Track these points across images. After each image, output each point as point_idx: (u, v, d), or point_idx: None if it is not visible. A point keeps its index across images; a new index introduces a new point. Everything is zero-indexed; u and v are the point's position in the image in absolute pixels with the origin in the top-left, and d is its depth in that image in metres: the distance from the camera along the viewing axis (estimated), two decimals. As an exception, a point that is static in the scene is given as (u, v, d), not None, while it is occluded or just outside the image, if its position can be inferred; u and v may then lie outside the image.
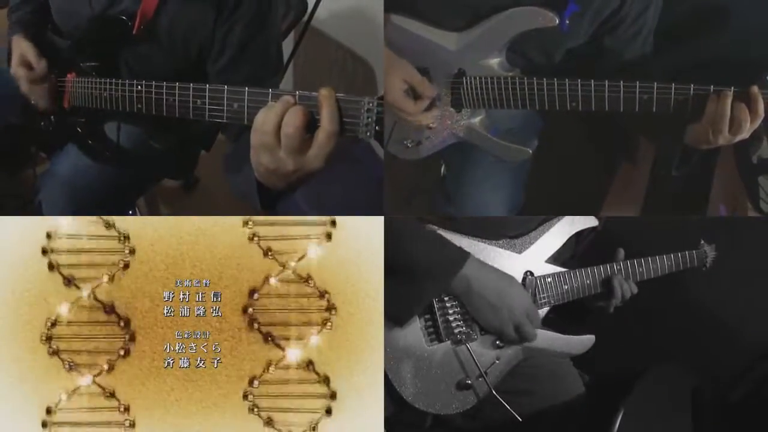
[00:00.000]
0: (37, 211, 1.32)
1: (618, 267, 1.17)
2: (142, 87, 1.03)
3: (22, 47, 1.23)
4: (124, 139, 1.25)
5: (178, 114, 0.97)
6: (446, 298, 1.05)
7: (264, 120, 0.84)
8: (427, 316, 1.05)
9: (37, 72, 1.22)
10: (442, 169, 1.47)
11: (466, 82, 1.15)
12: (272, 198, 0.97)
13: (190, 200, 1.94)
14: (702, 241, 1.27)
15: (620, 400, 1.02)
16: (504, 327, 1.05)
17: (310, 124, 0.84)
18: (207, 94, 0.92)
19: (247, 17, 1.15)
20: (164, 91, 0.99)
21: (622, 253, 1.18)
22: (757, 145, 1.30)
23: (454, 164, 1.38)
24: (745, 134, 1.03)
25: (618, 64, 1.15)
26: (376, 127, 0.82)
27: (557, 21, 1.06)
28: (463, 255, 1.03)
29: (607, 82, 1.06)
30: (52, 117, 1.27)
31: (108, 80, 1.10)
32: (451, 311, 1.05)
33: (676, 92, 1.04)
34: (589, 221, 1.18)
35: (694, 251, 1.25)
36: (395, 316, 1.02)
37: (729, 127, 1.02)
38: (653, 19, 1.14)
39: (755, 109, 1.01)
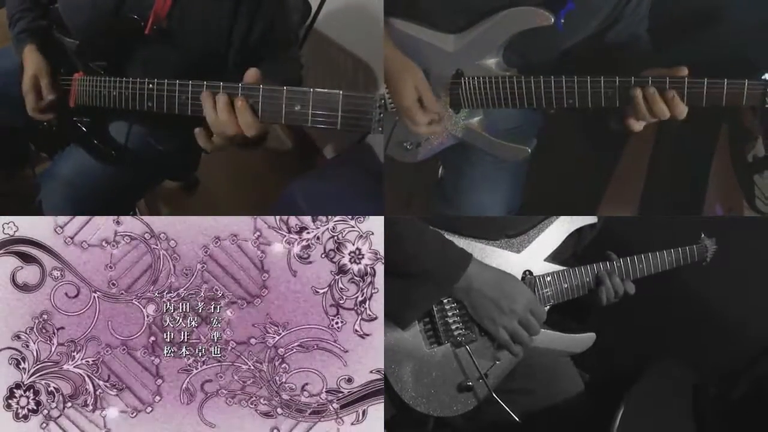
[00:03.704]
0: (37, 210, 1.32)
1: (617, 264, 1.17)
2: (153, 85, 1.03)
3: (36, 67, 1.22)
4: (129, 139, 1.26)
5: (190, 112, 0.98)
6: (445, 301, 1.06)
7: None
8: (426, 319, 1.06)
9: (44, 103, 1.23)
10: (440, 171, 1.47)
11: (465, 83, 1.16)
12: None
13: (191, 201, 1.95)
14: (702, 235, 1.27)
15: (620, 398, 1.02)
16: (506, 322, 1.05)
17: None
18: (221, 91, 0.93)
19: None
20: (177, 89, 0.99)
21: (613, 256, 1.18)
22: (752, 144, 1.31)
23: (451, 165, 1.38)
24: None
25: (621, 52, 1.16)
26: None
27: (552, 20, 1.07)
28: (466, 258, 1.03)
29: (602, 78, 1.07)
30: (55, 118, 1.28)
31: (117, 79, 1.10)
32: (450, 314, 1.06)
33: (671, 86, 1.05)
34: (587, 218, 1.18)
35: (694, 246, 1.25)
36: (398, 318, 1.02)
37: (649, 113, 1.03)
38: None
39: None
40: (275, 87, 0.89)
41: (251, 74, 0.94)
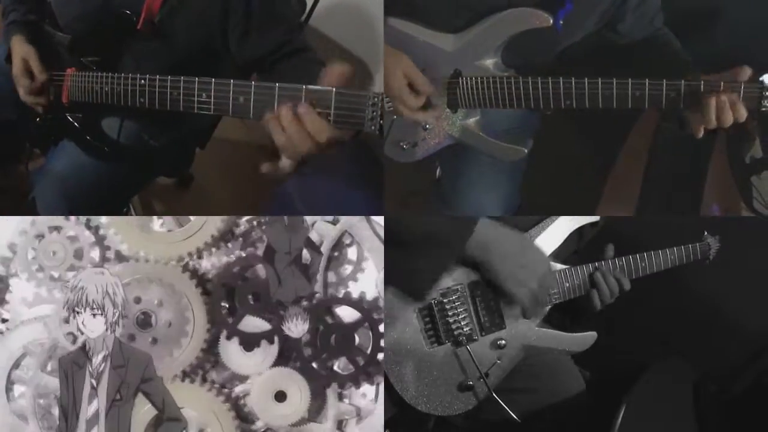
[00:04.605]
0: (30, 208, 1.31)
1: (619, 262, 1.16)
2: (145, 81, 1.02)
3: (24, 51, 1.22)
4: (122, 135, 1.25)
5: (182, 108, 0.96)
6: (445, 300, 1.05)
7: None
8: (427, 319, 1.05)
9: (38, 83, 1.21)
10: (438, 171, 1.47)
11: (462, 83, 1.16)
12: None
13: (185, 198, 1.94)
14: (705, 233, 1.25)
15: (622, 396, 1.03)
16: (530, 283, 1.03)
17: None
18: (213, 87, 0.92)
19: None
20: (168, 84, 0.98)
21: (611, 249, 1.17)
22: (750, 145, 1.32)
23: (449, 166, 1.38)
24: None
25: (634, 45, 1.16)
26: (381, 121, 0.85)
27: (551, 21, 1.07)
28: (472, 220, 1.02)
29: (600, 80, 1.07)
30: (48, 114, 1.26)
31: (110, 74, 1.09)
32: (450, 313, 1.06)
33: (668, 88, 1.06)
34: (589, 217, 1.17)
35: (697, 244, 1.24)
36: (413, 289, 1.01)
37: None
38: None
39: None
40: (268, 84, 0.88)
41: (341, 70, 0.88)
